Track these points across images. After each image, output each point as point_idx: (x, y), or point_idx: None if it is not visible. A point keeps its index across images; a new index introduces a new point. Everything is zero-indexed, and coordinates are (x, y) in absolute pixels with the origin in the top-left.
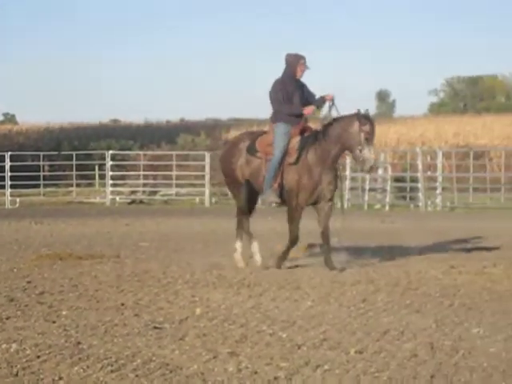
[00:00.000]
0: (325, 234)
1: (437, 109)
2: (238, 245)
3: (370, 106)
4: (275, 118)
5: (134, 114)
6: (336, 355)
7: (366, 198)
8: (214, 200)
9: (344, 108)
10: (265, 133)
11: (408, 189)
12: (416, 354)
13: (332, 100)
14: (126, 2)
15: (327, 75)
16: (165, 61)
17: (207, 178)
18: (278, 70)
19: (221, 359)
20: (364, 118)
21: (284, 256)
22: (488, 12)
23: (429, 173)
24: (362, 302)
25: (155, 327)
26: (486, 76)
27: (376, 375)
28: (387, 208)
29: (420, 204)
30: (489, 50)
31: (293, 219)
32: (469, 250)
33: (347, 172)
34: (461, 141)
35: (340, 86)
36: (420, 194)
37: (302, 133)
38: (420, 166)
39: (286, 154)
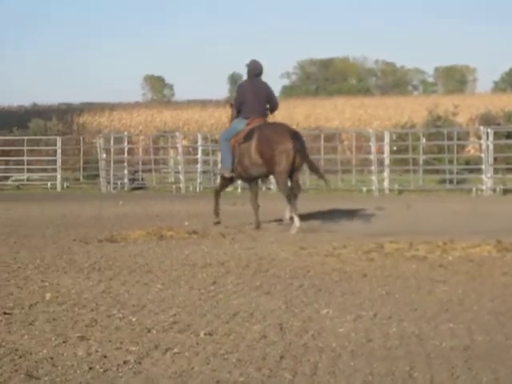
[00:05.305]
0: None
1: (289, 91)
2: None
3: (224, 90)
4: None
5: None
6: (186, 338)
7: (218, 181)
8: (65, 185)
9: None
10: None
11: None
12: (265, 336)
13: None
14: None
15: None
16: None
17: (59, 162)
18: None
19: (70, 344)
20: None
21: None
22: None
23: None
24: (213, 285)
25: (5, 313)
26: (337, 58)
27: (226, 357)
28: (239, 191)
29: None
30: (341, 33)
31: None
32: (319, 232)
33: (199, 155)
34: (312, 123)
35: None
36: None
37: None
38: None
39: None
